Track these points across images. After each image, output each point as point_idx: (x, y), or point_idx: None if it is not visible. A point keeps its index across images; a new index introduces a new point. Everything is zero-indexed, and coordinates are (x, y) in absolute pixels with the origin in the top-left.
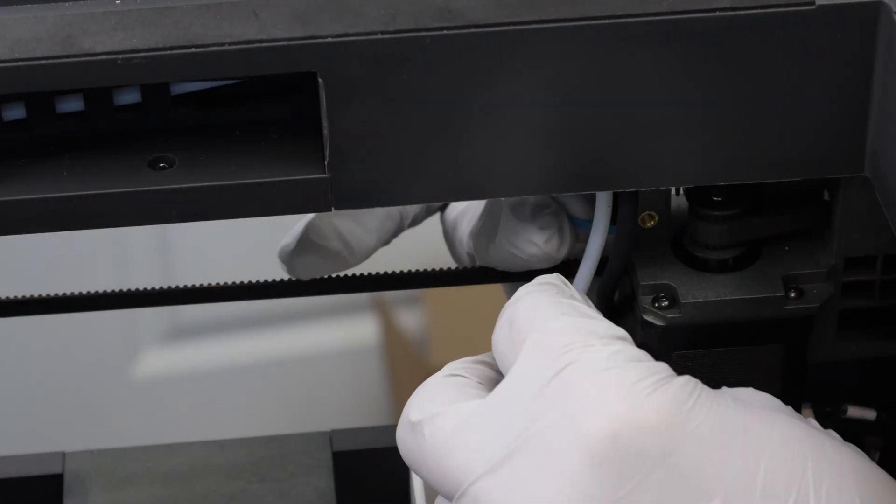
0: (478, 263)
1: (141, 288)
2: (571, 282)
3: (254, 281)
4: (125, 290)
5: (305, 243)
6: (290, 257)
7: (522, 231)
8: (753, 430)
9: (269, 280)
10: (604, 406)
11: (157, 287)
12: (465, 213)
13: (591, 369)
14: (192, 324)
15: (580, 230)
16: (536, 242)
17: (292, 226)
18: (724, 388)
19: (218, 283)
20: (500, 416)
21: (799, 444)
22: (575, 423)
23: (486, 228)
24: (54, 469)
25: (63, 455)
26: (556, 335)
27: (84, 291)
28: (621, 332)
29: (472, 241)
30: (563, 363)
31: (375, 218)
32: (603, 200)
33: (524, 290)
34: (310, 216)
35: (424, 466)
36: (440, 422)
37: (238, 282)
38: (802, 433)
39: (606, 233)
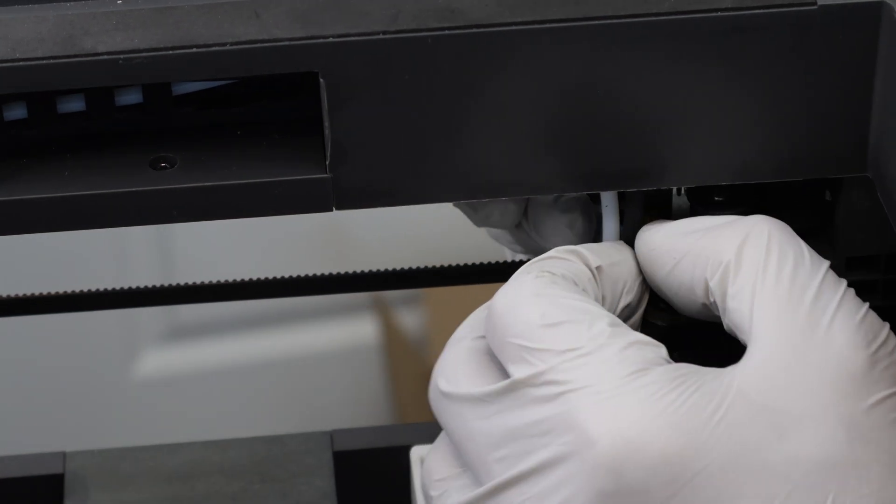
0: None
1: (141, 287)
2: None
3: (254, 280)
4: (125, 288)
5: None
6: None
7: (548, 218)
8: (772, 462)
9: (269, 279)
10: (609, 437)
11: (156, 286)
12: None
13: (594, 397)
14: (192, 324)
15: None
16: (560, 227)
17: (292, 226)
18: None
19: (218, 282)
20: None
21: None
22: (579, 454)
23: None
24: (55, 469)
25: (64, 455)
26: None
27: (84, 290)
28: (611, 319)
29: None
30: (560, 389)
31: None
32: (611, 201)
33: (503, 292)
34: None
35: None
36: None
37: (238, 281)
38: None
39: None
